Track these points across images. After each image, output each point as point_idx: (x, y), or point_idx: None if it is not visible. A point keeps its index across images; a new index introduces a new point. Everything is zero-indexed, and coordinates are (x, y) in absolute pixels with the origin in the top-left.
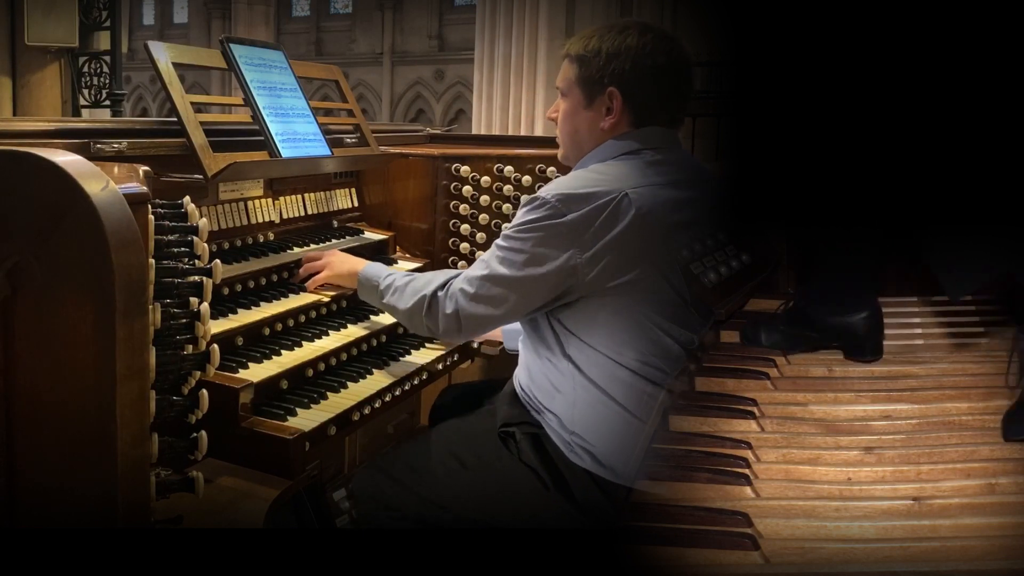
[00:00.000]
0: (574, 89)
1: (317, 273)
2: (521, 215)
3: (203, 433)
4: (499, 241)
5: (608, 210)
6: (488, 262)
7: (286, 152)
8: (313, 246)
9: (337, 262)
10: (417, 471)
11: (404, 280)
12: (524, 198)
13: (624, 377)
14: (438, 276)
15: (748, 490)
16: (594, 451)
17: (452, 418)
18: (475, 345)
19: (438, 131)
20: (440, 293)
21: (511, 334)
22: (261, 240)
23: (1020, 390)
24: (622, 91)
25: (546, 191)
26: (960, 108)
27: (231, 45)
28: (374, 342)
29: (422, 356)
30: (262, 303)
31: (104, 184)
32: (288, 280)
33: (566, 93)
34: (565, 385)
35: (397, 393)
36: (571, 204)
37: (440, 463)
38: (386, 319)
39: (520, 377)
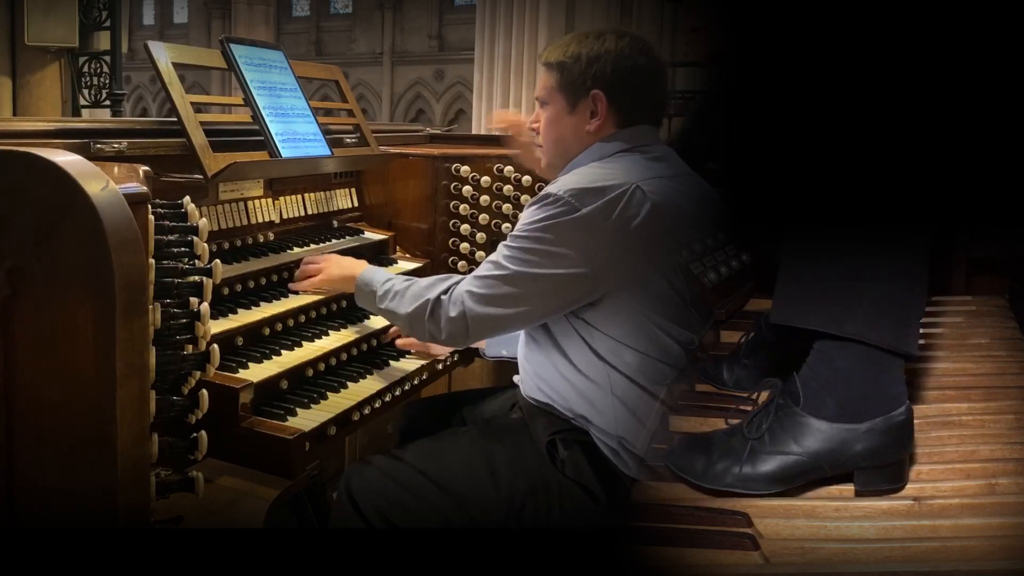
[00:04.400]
0: (556, 96)
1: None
2: (531, 213)
3: (203, 433)
4: (507, 242)
5: (623, 202)
6: (497, 262)
7: (286, 152)
8: (313, 246)
9: (334, 266)
10: (437, 484)
11: (404, 284)
12: (537, 192)
13: (651, 364)
14: (442, 279)
15: None
16: (638, 452)
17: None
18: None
19: (438, 131)
20: (444, 297)
21: (494, 341)
22: (261, 240)
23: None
24: (606, 93)
25: (557, 187)
26: (965, 106)
27: (231, 45)
28: (374, 342)
29: (422, 356)
30: (262, 303)
31: (104, 184)
32: (288, 280)
33: (547, 101)
34: (599, 388)
35: (397, 393)
36: (585, 198)
37: (468, 484)
38: (386, 320)
39: (535, 393)
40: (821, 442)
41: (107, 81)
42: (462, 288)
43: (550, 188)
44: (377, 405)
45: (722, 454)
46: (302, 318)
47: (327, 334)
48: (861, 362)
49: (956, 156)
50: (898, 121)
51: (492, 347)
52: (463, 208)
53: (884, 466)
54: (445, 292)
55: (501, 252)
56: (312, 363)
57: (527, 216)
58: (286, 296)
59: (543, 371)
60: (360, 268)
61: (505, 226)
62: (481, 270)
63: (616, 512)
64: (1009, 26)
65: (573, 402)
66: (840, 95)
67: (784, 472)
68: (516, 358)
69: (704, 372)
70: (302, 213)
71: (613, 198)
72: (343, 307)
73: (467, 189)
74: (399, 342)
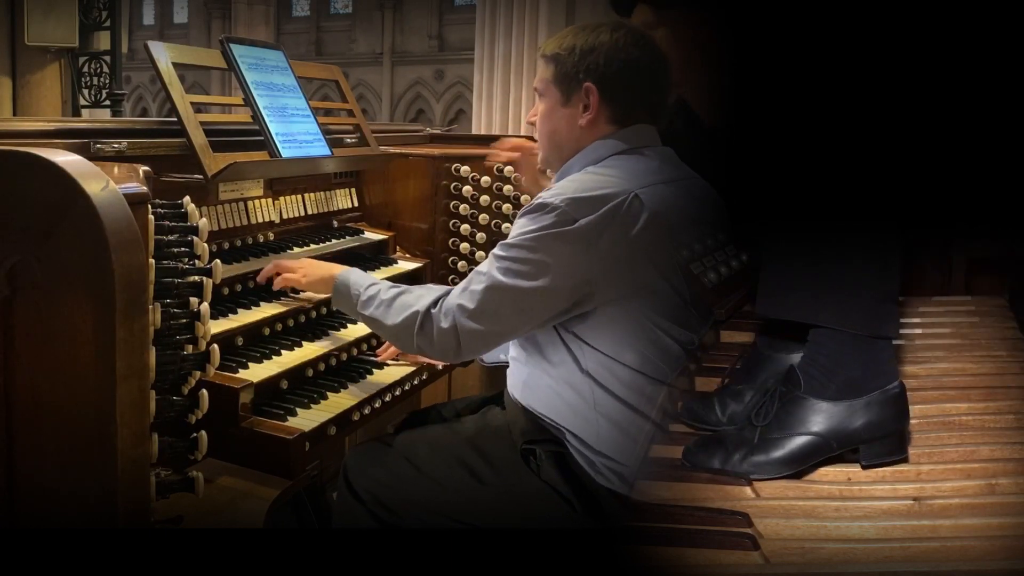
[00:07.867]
0: (551, 88)
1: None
2: (525, 222)
3: (203, 433)
4: (498, 251)
5: (620, 213)
6: (489, 274)
7: (286, 152)
8: (313, 246)
9: (310, 268)
10: (425, 476)
11: (390, 294)
12: (528, 200)
13: (640, 383)
14: (430, 291)
15: (748, 490)
16: (622, 471)
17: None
18: None
19: (438, 131)
20: (434, 310)
21: None
22: (261, 240)
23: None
24: (598, 86)
25: (551, 195)
26: (966, 106)
27: (231, 45)
28: (374, 342)
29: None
30: (262, 303)
31: (104, 184)
32: None
33: (543, 93)
34: (583, 403)
35: (397, 393)
36: (581, 208)
37: (449, 473)
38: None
39: (520, 396)
40: (827, 421)
41: (107, 81)
42: (452, 301)
43: (544, 196)
44: (377, 405)
45: (736, 445)
46: (302, 318)
47: (327, 334)
48: (851, 345)
49: (932, 156)
50: (870, 125)
51: (490, 353)
52: (463, 208)
53: (885, 437)
54: (435, 305)
55: (493, 263)
56: (312, 363)
57: (520, 225)
58: (286, 296)
59: (530, 378)
60: (337, 269)
61: (505, 226)
62: (473, 282)
63: (594, 519)
64: (994, 27)
65: (555, 413)
66: (814, 100)
67: (796, 453)
68: None
69: (691, 414)
70: (302, 213)
71: (610, 209)
72: None
73: (467, 189)
74: (382, 357)
